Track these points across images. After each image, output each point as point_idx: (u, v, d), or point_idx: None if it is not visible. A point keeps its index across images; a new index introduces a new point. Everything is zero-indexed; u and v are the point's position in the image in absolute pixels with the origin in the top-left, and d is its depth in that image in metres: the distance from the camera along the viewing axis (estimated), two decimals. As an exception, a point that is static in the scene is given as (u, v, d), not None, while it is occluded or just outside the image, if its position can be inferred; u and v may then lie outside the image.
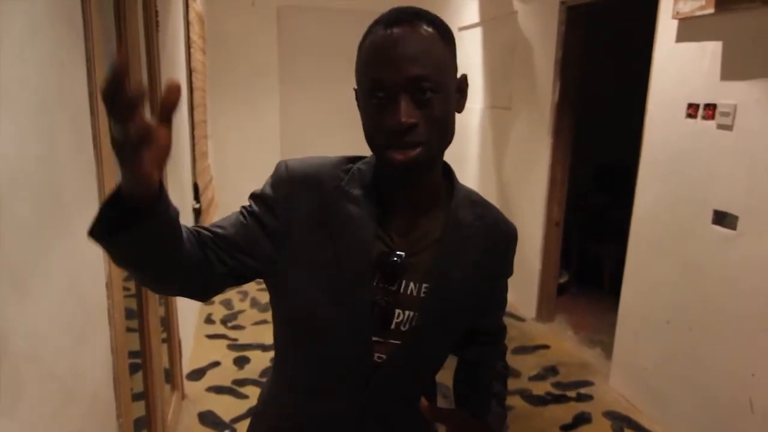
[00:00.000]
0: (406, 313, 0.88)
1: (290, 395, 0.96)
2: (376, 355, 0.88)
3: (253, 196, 0.90)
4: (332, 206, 0.86)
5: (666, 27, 2.58)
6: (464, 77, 0.86)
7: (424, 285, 0.88)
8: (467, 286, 0.91)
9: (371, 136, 0.82)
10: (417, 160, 0.78)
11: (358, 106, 0.85)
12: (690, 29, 2.45)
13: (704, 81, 2.37)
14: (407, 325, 0.88)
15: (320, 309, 0.87)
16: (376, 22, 0.81)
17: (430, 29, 0.79)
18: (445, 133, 0.82)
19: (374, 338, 0.88)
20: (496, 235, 0.95)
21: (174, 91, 0.61)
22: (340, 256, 0.85)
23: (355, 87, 0.85)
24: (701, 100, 2.39)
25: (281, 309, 0.94)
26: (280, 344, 0.97)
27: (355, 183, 0.88)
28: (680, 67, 2.51)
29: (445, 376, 1.07)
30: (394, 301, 0.87)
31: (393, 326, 0.88)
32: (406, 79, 0.76)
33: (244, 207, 0.90)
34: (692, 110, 2.43)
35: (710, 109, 2.34)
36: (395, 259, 0.86)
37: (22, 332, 1.02)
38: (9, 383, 0.97)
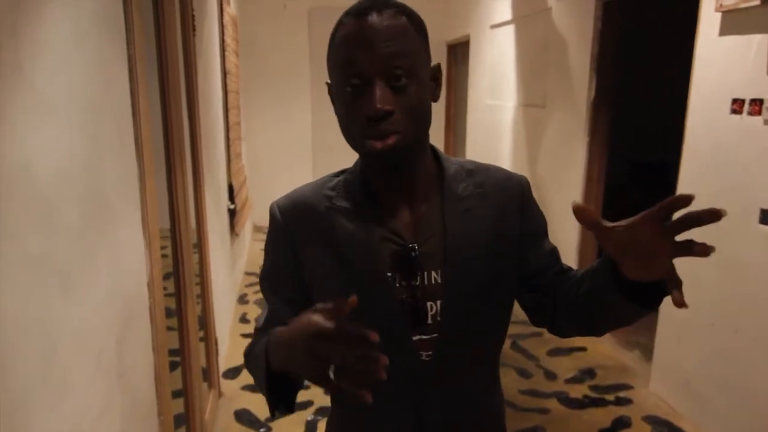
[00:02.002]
0: (438, 302, 0.87)
1: (352, 420, 0.95)
2: (423, 354, 0.87)
3: (265, 278, 0.94)
4: (330, 227, 0.87)
5: (709, 20, 2.49)
6: (438, 66, 0.86)
7: (441, 270, 0.87)
8: (486, 255, 0.88)
9: (347, 126, 0.82)
10: (395, 147, 0.78)
11: (332, 101, 0.85)
12: (734, 22, 2.36)
13: (750, 75, 2.28)
14: (441, 316, 0.87)
15: None
16: (346, 14, 0.81)
17: (401, 17, 0.80)
18: (421, 121, 0.82)
19: (415, 338, 0.86)
20: (506, 194, 0.92)
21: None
22: (351, 273, 0.86)
23: (328, 81, 0.86)
24: (747, 96, 2.30)
25: None
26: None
27: (345, 196, 0.89)
28: (724, 61, 2.42)
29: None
30: (423, 294, 0.86)
31: (430, 320, 0.87)
32: (380, 63, 0.76)
33: (268, 296, 0.94)
34: (737, 106, 2.35)
35: (756, 105, 2.25)
36: (410, 253, 0.86)
37: (70, 331, 1.04)
38: (58, 380, 0.99)
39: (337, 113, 0.84)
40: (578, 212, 0.69)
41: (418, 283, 0.86)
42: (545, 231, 0.97)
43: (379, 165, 0.84)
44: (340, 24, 0.82)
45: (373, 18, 0.78)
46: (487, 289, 0.89)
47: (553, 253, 0.97)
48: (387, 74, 0.77)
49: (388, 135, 0.77)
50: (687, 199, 0.64)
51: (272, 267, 0.94)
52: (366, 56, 0.76)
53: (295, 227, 0.89)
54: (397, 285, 0.86)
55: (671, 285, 0.67)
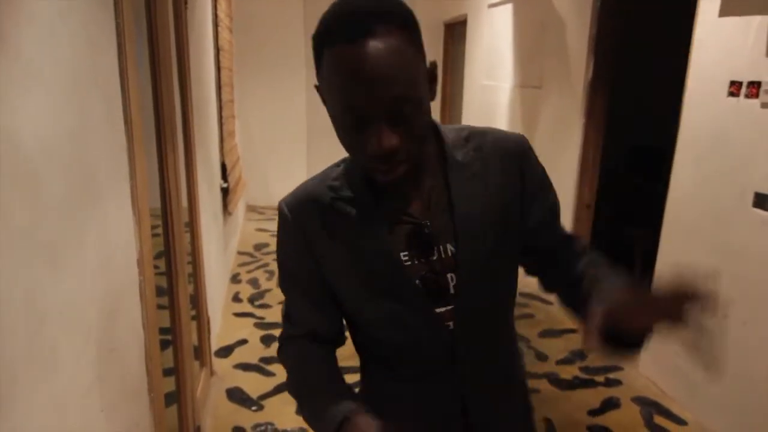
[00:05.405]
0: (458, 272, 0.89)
1: (392, 393, 0.97)
2: (451, 323, 0.89)
3: (284, 278, 0.96)
4: (338, 218, 0.88)
5: (708, 0, 2.47)
6: (434, 64, 0.81)
7: (454, 241, 0.88)
8: (495, 218, 0.89)
9: (349, 151, 0.81)
10: (401, 175, 0.79)
11: (324, 102, 0.80)
12: (734, 2, 2.34)
13: (748, 57, 2.26)
14: (456, 286, 0.88)
15: (379, 312, 0.89)
16: (335, 34, 0.72)
17: (395, 32, 0.72)
18: (424, 137, 0.81)
19: (440, 310, 0.88)
20: (506, 155, 0.91)
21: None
22: (368, 260, 0.87)
23: (317, 84, 0.80)
24: (745, 78, 2.28)
25: (349, 322, 0.96)
26: (362, 350, 0.99)
27: (348, 185, 0.89)
28: (723, 42, 2.40)
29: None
30: (441, 268, 0.87)
31: (452, 291, 0.88)
32: (383, 105, 0.72)
33: (294, 297, 0.97)
34: (734, 88, 2.33)
35: (754, 87, 2.24)
36: (423, 230, 0.87)
37: (58, 306, 1.03)
38: (46, 356, 0.98)
39: (334, 127, 0.80)
40: (589, 341, 0.76)
41: (435, 257, 0.87)
42: (546, 187, 0.96)
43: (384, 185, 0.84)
44: (327, 44, 0.74)
45: (371, 49, 0.70)
46: (499, 252, 0.90)
47: (553, 209, 0.96)
48: (392, 113, 0.73)
49: (395, 167, 0.77)
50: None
51: (288, 266, 0.95)
52: (368, 101, 0.72)
53: (305, 223, 0.90)
54: (416, 262, 0.87)
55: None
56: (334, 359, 0.98)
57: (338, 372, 0.96)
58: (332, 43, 0.73)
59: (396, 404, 0.95)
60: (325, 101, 0.81)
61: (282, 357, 1.02)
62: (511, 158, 0.91)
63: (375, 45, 0.70)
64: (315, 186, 0.91)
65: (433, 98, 0.82)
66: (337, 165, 0.93)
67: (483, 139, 0.91)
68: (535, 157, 0.94)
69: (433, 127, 0.91)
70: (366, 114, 0.73)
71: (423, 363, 0.92)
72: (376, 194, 0.87)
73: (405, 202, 0.88)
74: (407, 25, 0.75)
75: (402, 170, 0.78)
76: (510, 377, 1.00)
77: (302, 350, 0.97)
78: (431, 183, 0.88)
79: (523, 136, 0.94)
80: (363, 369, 1.02)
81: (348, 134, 0.78)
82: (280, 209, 0.92)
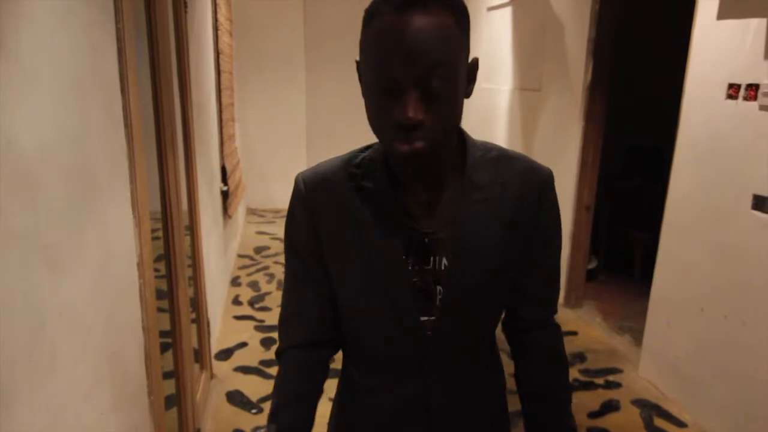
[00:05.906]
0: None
1: (362, 393, 0.99)
2: (430, 333, 0.90)
3: (288, 247, 0.95)
4: (351, 205, 0.88)
5: (706, 3, 2.47)
6: (475, 61, 0.82)
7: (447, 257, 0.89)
8: (496, 245, 0.88)
9: (376, 123, 0.81)
10: (421, 151, 0.77)
11: (360, 80, 0.82)
12: (732, 5, 2.34)
13: (746, 60, 2.27)
14: (441, 300, 0.89)
15: (365, 305, 0.91)
16: (385, 0, 0.74)
17: (448, 15, 0.74)
18: (451, 124, 0.80)
19: (423, 318, 0.89)
20: (526, 186, 0.90)
21: None
22: (369, 253, 0.88)
23: (358, 60, 0.81)
24: (743, 81, 2.29)
25: (338, 307, 0.97)
26: (345, 338, 1.00)
27: (368, 175, 0.89)
28: (721, 45, 2.41)
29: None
30: (433, 278, 0.88)
31: (438, 303, 0.89)
32: (419, 74, 0.72)
33: (293, 268, 0.95)
34: (733, 91, 2.34)
35: (752, 90, 2.24)
36: (423, 240, 0.88)
37: (57, 308, 1.03)
38: (46, 358, 0.98)
39: (364, 99, 0.81)
40: None
41: (430, 267, 0.88)
42: (553, 232, 0.95)
43: (402, 166, 0.84)
44: (376, 10, 0.75)
45: (418, 19, 0.71)
46: (491, 278, 0.90)
47: (548, 257, 0.96)
48: (424, 85, 0.73)
49: (417, 139, 0.77)
50: None
51: (291, 235, 0.95)
52: (404, 67, 0.72)
53: (317, 200, 0.90)
54: (410, 268, 0.88)
55: None
56: (321, 370, 0.99)
57: (313, 390, 0.97)
58: (382, 10, 0.74)
59: (367, 396, 0.98)
60: (361, 78, 0.81)
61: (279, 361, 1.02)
62: (533, 190, 0.90)
63: (423, 18, 0.72)
64: (336, 168, 0.91)
65: (468, 96, 0.82)
66: (362, 150, 0.93)
67: (509, 164, 0.91)
68: (555, 198, 0.93)
69: (461, 138, 0.90)
70: (400, 82, 0.74)
71: (394, 363, 0.94)
72: (394, 192, 0.88)
73: (414, 206, 0.88)
74: (459, 11, 0.76)
75: (422, 147, 0.77)
76: (480, 393, 1.00)
77: (295, 362, 0.98)
78: (443, 196, 0.88)
79: (551, 172, 0.93)
80: (343, 354, 1.03)
81: (378, 101, 0.77)
82: (296, 182, 0.92)
